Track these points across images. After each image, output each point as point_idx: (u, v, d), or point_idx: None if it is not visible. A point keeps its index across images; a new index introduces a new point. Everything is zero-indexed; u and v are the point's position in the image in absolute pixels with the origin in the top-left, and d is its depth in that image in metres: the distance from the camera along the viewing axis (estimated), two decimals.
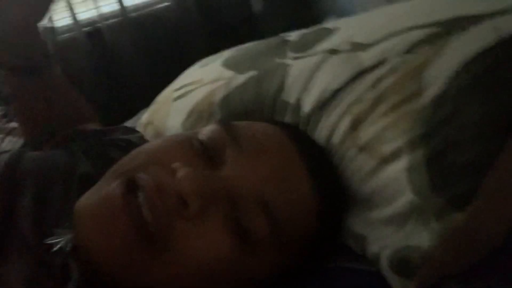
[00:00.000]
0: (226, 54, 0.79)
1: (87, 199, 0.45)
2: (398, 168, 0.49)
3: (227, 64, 0.73)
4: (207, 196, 0.43)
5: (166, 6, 1.99)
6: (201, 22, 1.96)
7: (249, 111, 0.65)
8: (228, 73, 0.71)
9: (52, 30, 1.72)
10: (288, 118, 0.62)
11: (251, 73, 0.68)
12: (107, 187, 0.43)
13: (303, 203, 0.48)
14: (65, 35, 1.86)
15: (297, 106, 0.61)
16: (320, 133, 0.58)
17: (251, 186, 0.45)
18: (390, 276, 0.48)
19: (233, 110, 0.67)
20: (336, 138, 0.56)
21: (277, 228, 0.45)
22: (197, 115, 0.71)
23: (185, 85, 0.77)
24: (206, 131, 0.50)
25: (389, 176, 0.49)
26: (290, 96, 0.62)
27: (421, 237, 0.45)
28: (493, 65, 0.49)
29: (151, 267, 0.42)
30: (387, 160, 0.50)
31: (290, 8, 2.12)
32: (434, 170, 0.46)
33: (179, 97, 0.76)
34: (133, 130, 0.78)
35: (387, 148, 0.50)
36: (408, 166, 0.48)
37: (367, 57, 0.57)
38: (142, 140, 0.73)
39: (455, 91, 0.49)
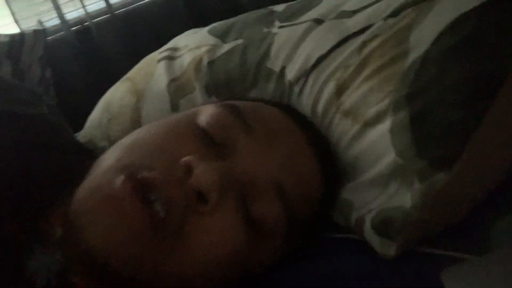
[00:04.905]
0: (215, 24, 0.77)
1: (86, 197, 0.41)
2: (381, 130, 0.48)
3: (213, 32, 0.72)
4: (224, 189, 0.41)
5: (152, 1, 1.99)
6: (187, 15, 1.96)
7: (232, 80, 0.64)
8: (213, 39, 0.70)
9: (44, 32, 1.72)
10: (272, 86, 0.62)
11: (238, 41, 0.67)
12: (110, 183, 0.40)
13: (313, 189, 0.49)
14: (55, 35, 1.86)
15: (282, 74, 0.60)
16: (306, 101, 0.57)
17: (267, 173, 0.44)
18: (373, 238, 0.47)
19: (216, 78, 0.66)
20: (321, 105, 0.55)
21: (290, 215, 0.45)
22: (183, 81, 0.68)
23: (170, 49, 0.75)
24: (210, 115, 0.47)
25: (372, 139, 0.49)
26: (275, 64, 0.61)
27: (404, 198, 0.45)
28: (476, 28, 0.48)
29: (163, 262, 0.40)
30: (370, 123, 0.50)
31: None
32: (417, 132, 0.46)
33: (163, 59, 0.73)
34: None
35: (371, 111, 0.50)
36: (391, 128, 0.47)
37: (353, 23, 0.57)
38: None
39: (438, 53, 0.48)
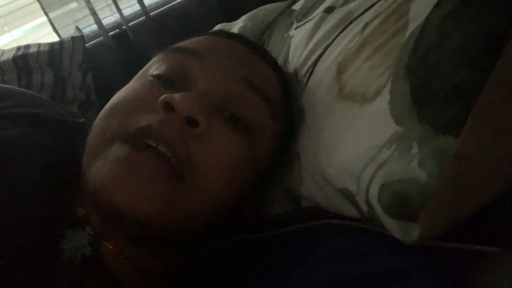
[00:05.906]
0: (242, 22, 0.82)
1: (99, 172, 0.43)
2: (380, 103, 0.45)
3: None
4: (206, 109, 0.45)
5: (186, 0, 2.00)
6: (222, 12, 1.96)
7: None
8: None
9: (82, 38, 1.76)
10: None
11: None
12: (112, 152, 0.43)
13: (270, 77, 0.54)
14: (93, 41, 1.90)
15: (296, 73, 0.59)
16: (309, 91, 0.56)
17: (232, 77, 0.49)
18: (389, 224, 0.41)
19: None
20: (322, 89, 0.53)
21: (267, 102, 0.50)
22: None
23: None
24: (158, 61, 0.52)
25: (371, 114, 0.46)
26: (291, 66, 0.61)
27: (408, 167, 0.40)
28: None
29: (186, 196, 0.43)
30: (369, 99, 0.47)
31: None
32: (418, 99, 0.42)
33: None
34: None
35: (370, 88, 0.47)
36: (390, 99, 0.44)
37: (356, 6, 0.56)
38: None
39: (438, 19, 0.45)
